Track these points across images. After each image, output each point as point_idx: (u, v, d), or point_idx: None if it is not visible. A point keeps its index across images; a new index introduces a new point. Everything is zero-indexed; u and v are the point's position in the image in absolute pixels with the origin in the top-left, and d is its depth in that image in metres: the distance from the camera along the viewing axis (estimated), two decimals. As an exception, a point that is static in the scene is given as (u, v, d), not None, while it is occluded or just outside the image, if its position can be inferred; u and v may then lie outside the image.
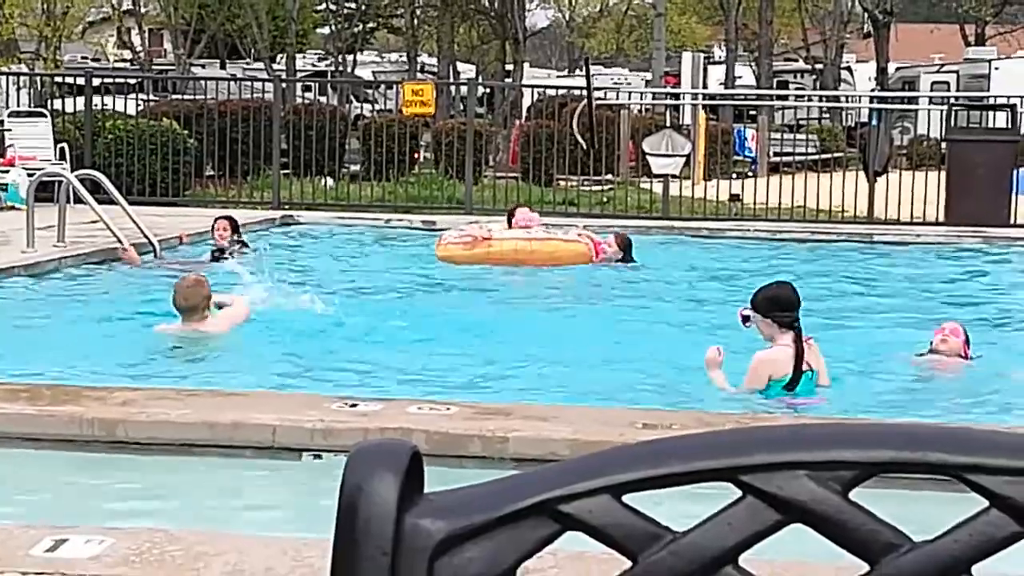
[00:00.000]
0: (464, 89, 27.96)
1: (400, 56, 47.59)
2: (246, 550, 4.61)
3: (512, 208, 15.72)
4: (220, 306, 10.17)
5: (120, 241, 14.06)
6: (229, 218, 15.24)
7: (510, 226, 14.86)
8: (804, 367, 8.00)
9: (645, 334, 10.69)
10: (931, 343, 9.48)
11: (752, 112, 30.51)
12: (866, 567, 1.05)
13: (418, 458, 1.09)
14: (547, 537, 1.07)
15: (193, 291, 9.90)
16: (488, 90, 37.54)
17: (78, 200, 14.61)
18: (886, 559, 1.04)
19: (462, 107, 28.02)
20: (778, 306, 8.01)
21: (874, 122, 21.55)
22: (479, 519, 1.07)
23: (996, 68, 36.36)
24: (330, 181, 22.67)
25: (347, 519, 1.06)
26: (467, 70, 44.62)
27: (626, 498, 1.07)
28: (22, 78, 25.82)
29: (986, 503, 1.04)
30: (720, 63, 42.55)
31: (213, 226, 14.94)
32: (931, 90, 34.53)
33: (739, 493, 1.06)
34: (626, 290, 13.38)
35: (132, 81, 28.57)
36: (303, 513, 5.52)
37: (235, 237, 14.90)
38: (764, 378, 8.00)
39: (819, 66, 41.95)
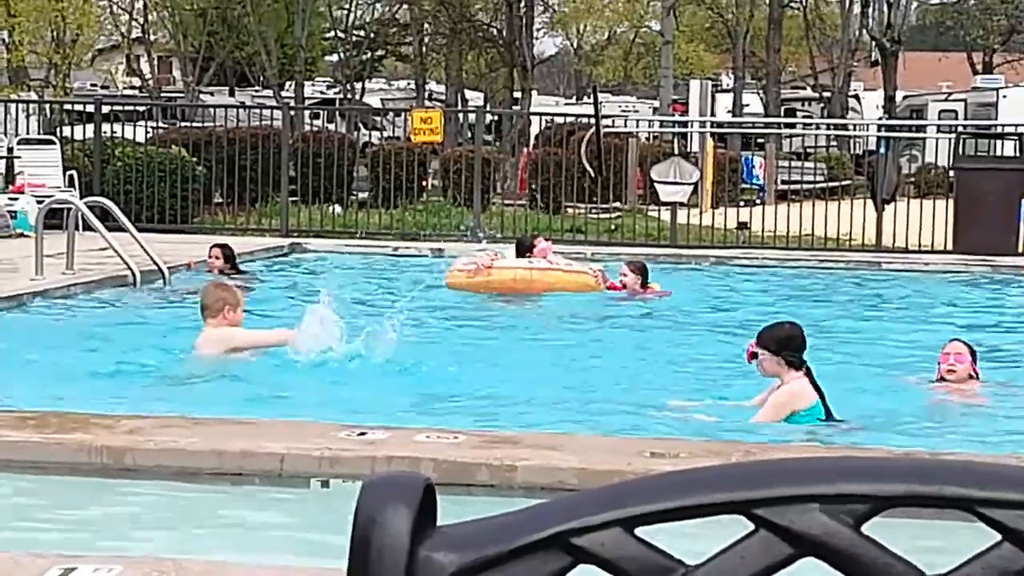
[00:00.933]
0: (472, 117, 27.98)
1: (408, 84, 47.70)
2: (254, 579, 4.61)
3: (520, 237, 15.72)
4: None
5: (130, 268, 14.07)
6: (224, 246, 15.30)
7: (519, 255, 14.86)
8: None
9: (657, 363, 10.68)
10: (938, 369, 9.46)
11: (760, 140, 30.51)
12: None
13: (431, 490, 1.09)
14: (560, 570, 1.07)
15: (210, 290, 10.44)
16: (496, 118, 37.63)
17: (87, 227, 14.63)
18: (899, 593, 1.04)
19: (470, 134, 28.05)
20: (790, 346, 8.11)
21: (882, 150, 21.55)
22: (492, 552, 1.07)
23: (1004, 96, 36.39)
24: (338, 208, 22.70)
25: (360, 551, 1.06)
26: (475, 98, 44.70)
27: (639, 531, 1.07)
28: (32, 105, 25.90)
29: (999, 537, 1.04)
30: (728, 91, 42.63)
31: (210, 253, 15.11)
32: (939, 118, 34.53)
33: (752, 526, 1.06)
34: (638, 319, 13.37)
35: (141, 109, 28.65)
36: (311, 541, 5.51)
37: (228, 266, 14.97)
38: (786, 413, 8.10)
39: (827, 94, 42.00)
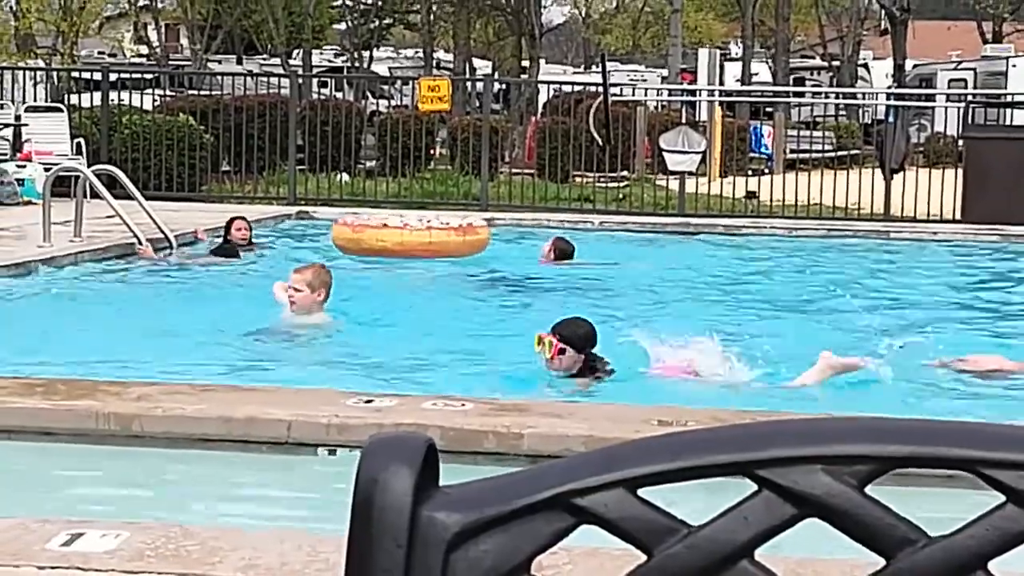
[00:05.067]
0: (480, 85, 27.95)
1: (416, 52, 47.60)
2: (261, 545, 4.62)
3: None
4: None
5: (136, 236, 14.07)
6: (244, 218, 15.27)
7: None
8: None
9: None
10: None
11: (768, 109, 30.47)
12: (882, 562, 1.05)
13: (433, 450, 1.09)
14: (562, 530, 1.07)
15: (324, 272, 10.34)
16: (504, 86, 37.53)
17: (94, 195, 14.64)
18: (902, 554, 1.04)
19: (478, 103, 28.01)
20: (592, 344, 8.20)
21: (891, 119, 21.51)
22: (494, 512, 1.07)
23: (1014, 65, 36.27)
24: (346, 177, 22.69)
25: (362, 511, 1.06)
26: (483, 66, 44.62)
27: (641, 492, 1.07)
28: (39, 73, 25.88)
29: (1003, 498, 1.04)
30: (737, 60, 42.51)
31: (230, 225, 14.93)
32: (948, 87, 34.43)
33: (755, 487, 1.06)
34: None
35: (148, 76, 28.63)
36: (318, 508, 5.53)
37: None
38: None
39: (836, 63, 41.90)
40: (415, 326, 10.63)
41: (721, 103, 23.59)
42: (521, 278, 13.89)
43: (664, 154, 20.83)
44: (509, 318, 11.45)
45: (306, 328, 10.03)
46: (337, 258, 13.63)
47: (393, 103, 28.61)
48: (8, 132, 19.85)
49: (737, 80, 38.36)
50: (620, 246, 16.98)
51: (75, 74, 26.35)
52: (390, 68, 43.44)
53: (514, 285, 13.56)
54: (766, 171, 25.91)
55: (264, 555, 4.49)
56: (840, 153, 24.54)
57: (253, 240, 15.03)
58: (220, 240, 14.94)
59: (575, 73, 44.23)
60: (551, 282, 13.52)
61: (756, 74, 41.07)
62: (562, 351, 8.06)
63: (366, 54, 42.92)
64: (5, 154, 19.55)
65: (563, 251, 14.62)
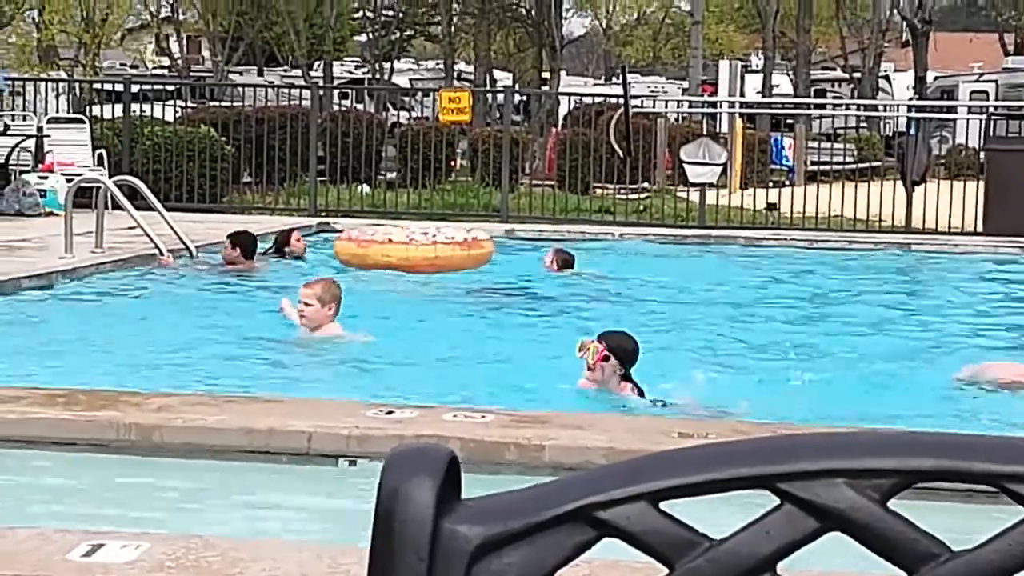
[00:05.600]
0: (501, 97, 27.96)
1: (437, 63, 47.67)
2: (281, 557, 4.62)
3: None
4: None
5: (158, 247, 14.10)
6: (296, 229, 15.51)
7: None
8: None
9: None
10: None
11: (789, 121, 30.43)
12: (904, 576, 1.04)
13: (455, 463, 1.08)
14: (584, 543, 1.07)
15: (333, 286, 10.28)
16: (525, 98, 37.58)
17: (116, 206, 14.68)
18: (925, 568, 1.04)
19: (498, 115, 28.04)
20: (633, 360, 8.14)
21: (912, 131, 21.46)
22: (517, 525, 1.06)
23: (1035, 77, 36.19)
24: (366, 188, 22.71)
25: (384, 524, 1.06)
26: (504, 78, 44.69)
27: (663, 505, 1.07)
28: (61, 84, 25.97)
29: (1026, 512, 1.03)
30: (757, 71, 42.50)
31: (288, 236, 15.03)
32: (970, 99, 34.36)
33: (777, 501, 1.05)
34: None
35: (170, 88, 28.72)
36: (338, 520, 5.53)
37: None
38: None
39: (857, 75, 41.83)
40: (428, 339, 10.62)
41: (742, 115, 23.56)
42: (530, 289, 13.90)
43: (685, 166, 20.82)
44: (524, 329, 11.45)
45: (321, 341, 10.03)
46: (345, 271, 13.61)
47: (414, 115, 28.64)
48: (30, 143, 19.91)
49: (758, 92, 38.33)
50: (639, 259, 16.97)
51: (97, 85, 26.44)
52: (411, 80, 43.51)
53: (525, 296, 13.56)
54: (787, 183, 25.87)
55: (284, 566, 4.49)
56: (861, 165, 24.51)
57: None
58: (272, 250, 15.06)
59: (596, 85, 44.28)
60: (565, 292, 13.52)
61: (777, 86, 41.05)
62: (606, 358, 8.04)
63: (387, 66, 43.00)
64: (27, 165, 19.62)
65: (566, 260, 14.69)
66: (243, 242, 14.25)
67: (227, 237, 14.39)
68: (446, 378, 9.07)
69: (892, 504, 1.05)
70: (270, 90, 25.44)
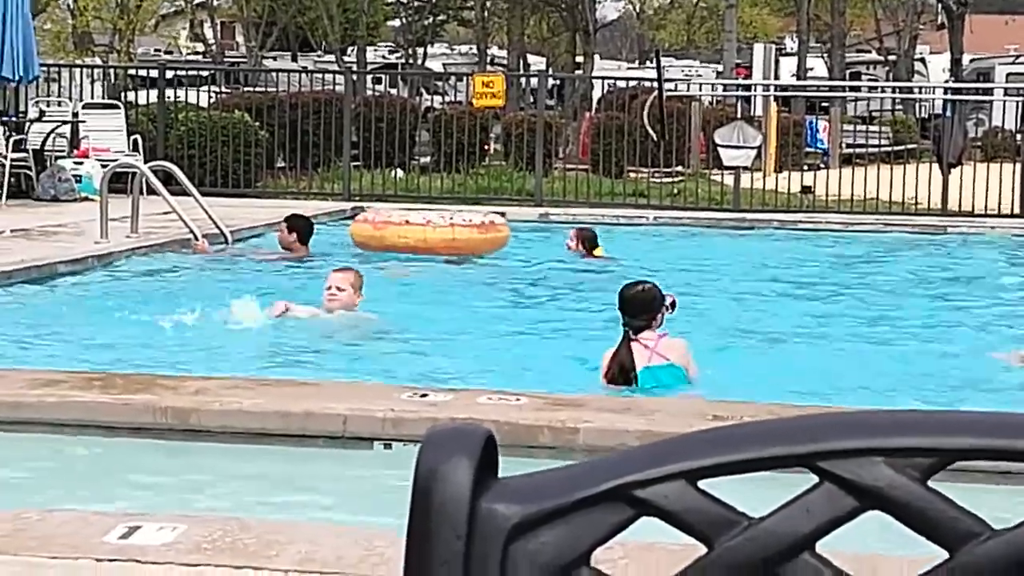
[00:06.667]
0: (534, 81, 27.91)
1: (470, 48, 47.63)
2: (317, 539, 4.63)
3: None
4: None
5: (193, 232, 14.14)
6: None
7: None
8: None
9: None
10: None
11: (824, 104, 30.31)
12: (944, 554, 1.04)
13: (492, 442, 1.08)
14: (622, 522, 1.07)
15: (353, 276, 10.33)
16: (558, 82, 37.49)
17: (151, 191, 14.72)
18: (965, 547, 1.03)
19: (532, 99, 28.00)
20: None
21: (948, 114, 21.36)
22: (554, 503, 1.06)
23: (1072, 59, 35.95)
24: (400, 173, 22.73)
25: (421, 503, 1.06)
26: (537, 62, 44.60)
27: (702, 484, 1.06)
28: (96, 70, 26.05)
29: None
30: (792, 54, 42.31)
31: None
32: (1006, 81, 34.15)
33: (816, 479, 1.05)
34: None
35: (204, 73, 28.79)
36: (374, 502, 5.54)
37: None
38: None
39: (892, 57, 41.63)
40: (456, 322, 10.63)
41: (776, 98, 23.50)
42: (559, 273, 13.88)
43: (719, 149, 20.76)
44: (552, 313, 11.45)
45: (350, 326, 10.06)
46: (364, 255, 13.56)
47: (447, 99, 28.63)
48: (66, 129, 19.99)
49: (792, 75, 38.17)
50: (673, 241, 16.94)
51: (132, 71, 26.50)
52: (444, 64, 43.49)
53: (555, 280, 13.53)
54: (822, 166, 25.77)
55: (320, 549, 4.51)
56: (897, 148, 24.40)
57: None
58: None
59: (629, 68, 44.16)
60: (592, 276, 13.49)
61: (811, 69, 40.86)
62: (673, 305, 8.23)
63: (420, 50, 43.00)
64: (63, 151, 19.69)
65: (590, 240, 14.61)
66: (300, 226, 14.17)
67: (284, 221, 14.35)
68: (476, 361, 9.08)
69: (932, 483, 1.05)
70: (304, 75, 25.49)
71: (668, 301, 8.22)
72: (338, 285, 10.14)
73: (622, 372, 8.00)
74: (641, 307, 8.10)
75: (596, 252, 14.50)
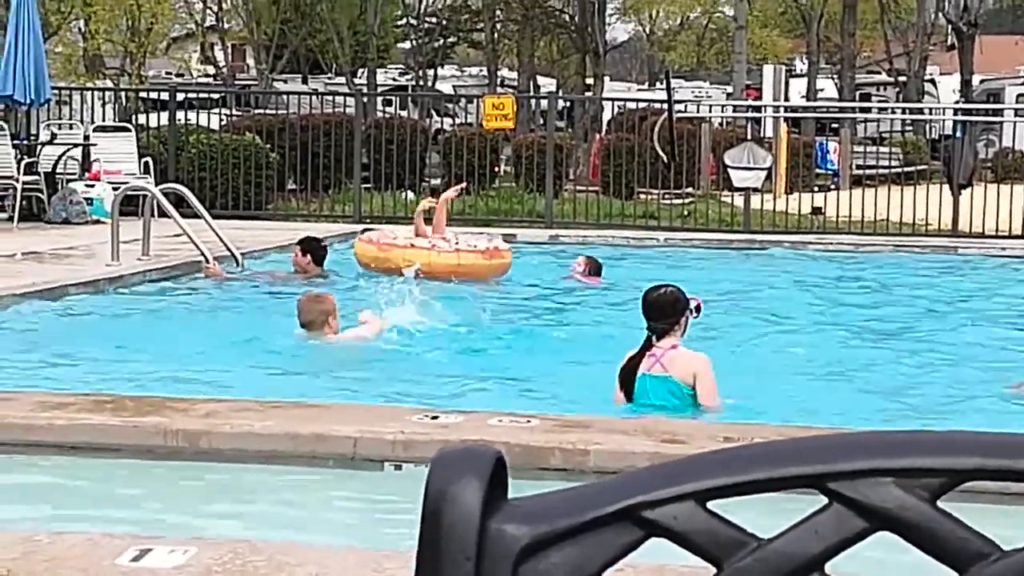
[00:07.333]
0: (544, 103, 27.99)
1: (480, 70, 47.71)
2: (328, 561, 4.63)
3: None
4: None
5: (204, 255, 14.15)
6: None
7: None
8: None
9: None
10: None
11: (834, 125, 30.32)
12: (954, 575, 1.04)
13: (502, 463, 1.08)
14: (631, 543, 1.07)
15: (310, 306, 10.29)
16: (568, 104, 37.57)
17: (162, 214, 14.74)
18: (975, 568, 1.03)
19: (542, 121, 28.04)
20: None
21: (958, 135, 21.35)
22: (563, 525, 1.06)
23: (1082, 80, 35.94)
24: (411, 195, 22.74)
25: (431, 524, 1.06)
26: (547, 84, 44.67)
27: (711, 505, 1.06)
28: (107, 93, 26.12)
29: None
30: (802, 76, 42.36)
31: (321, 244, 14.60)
32: (1016, 102, 34.15)
33: (825, 500, 1.05)
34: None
35: (215, 96, 28.83)
36: (384, 524, 5.54)
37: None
38: None
39: (902, 78, 41.62)
40: (469, 344, 10.63)
41: (786, 119, 23.49)
42: (564, 296, 13.87)
43: (729, 170, 20.76)
44: (562, 337, 11.43)
45: (358, 348, 10.08)
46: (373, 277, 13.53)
47: (457, 121, 28.66)
48: (77, 152, 20.04)
49: (802, 96, 38.20)
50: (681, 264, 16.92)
51: (143, 94, 26.58)
52: (454, 86, 43.55)
53: (559, 304, 13.52)
54: (832, 187, 25.77)
55: (330, 571, 4.50)
56: (907, 169, 24.38)
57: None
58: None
59: (639, 90, 44.19)
60: (600, 300, 13.48)
61: (822, 90, 40.90)
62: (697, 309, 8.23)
63: (430, 72, 43.05)
64: (74, 174, 19.74)
65: (597, 266, 14.61)
66: (313, 248, 14.20)
67: (297, 244, 14.37)
68: (486, 386, 9.07)
69: (941, 503, 1.05)
70: (314, 97, 25.50)
71: (693, 305, 8.17)
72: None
73: (624, 376, 8.01)
74: (662, 310, 8.05)
75: (599, 278, 14.53)
